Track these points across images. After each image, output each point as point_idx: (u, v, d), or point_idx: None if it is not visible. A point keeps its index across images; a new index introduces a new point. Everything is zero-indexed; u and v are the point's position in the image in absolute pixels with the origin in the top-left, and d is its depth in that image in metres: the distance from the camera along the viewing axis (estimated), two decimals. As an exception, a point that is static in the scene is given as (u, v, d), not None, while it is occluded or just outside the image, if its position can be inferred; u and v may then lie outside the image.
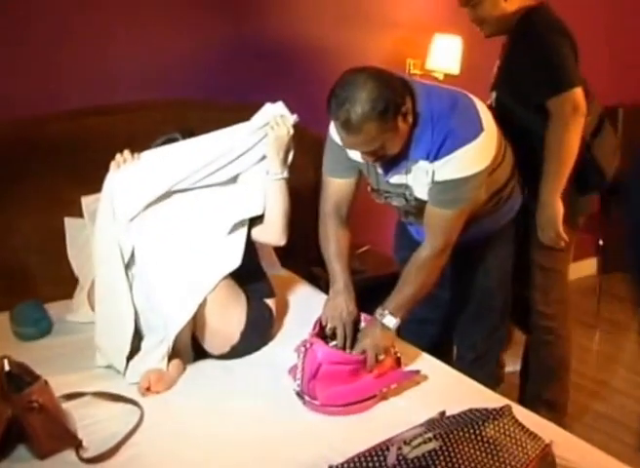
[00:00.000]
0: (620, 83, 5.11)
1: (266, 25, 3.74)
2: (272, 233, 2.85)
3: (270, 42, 3.76)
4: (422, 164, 2.44)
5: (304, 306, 3.24)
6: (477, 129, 2.39)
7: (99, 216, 2.76)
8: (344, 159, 2.61)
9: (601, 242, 4.84)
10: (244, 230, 2.83)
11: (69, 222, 3.30)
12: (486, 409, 1.99)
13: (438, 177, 2.43)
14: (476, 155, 2.40)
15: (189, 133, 2.88)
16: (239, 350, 2.83)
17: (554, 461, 1.96)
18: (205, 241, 2.76)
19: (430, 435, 1.86)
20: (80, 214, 3.22)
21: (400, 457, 1.81)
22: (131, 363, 2.70)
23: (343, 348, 2.61)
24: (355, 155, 2.56)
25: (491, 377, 3.04)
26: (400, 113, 2.29)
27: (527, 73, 2.88)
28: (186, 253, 2.72)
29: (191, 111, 3.54)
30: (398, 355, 2.64)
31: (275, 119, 2.79)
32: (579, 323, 4.78)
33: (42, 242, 3.30)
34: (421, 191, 2.54)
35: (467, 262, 2.86)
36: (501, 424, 1.92)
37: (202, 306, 2.68)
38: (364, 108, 2.21)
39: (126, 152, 2.77)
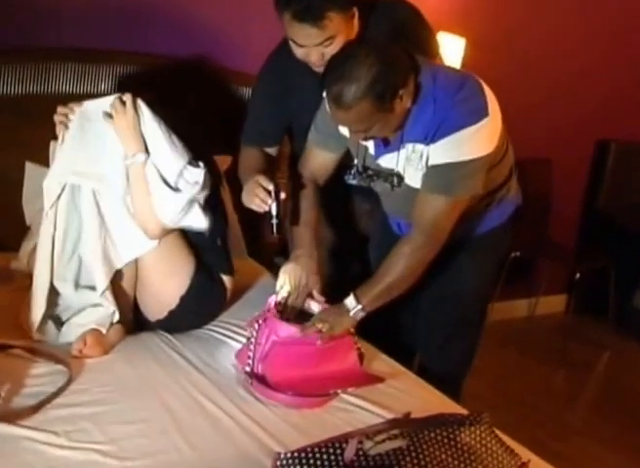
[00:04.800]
0: (612, 117, 4.96)
1: None
2: (139, 224, 2.50)
3: None
4: (418, 146, 2.26)
5: (263, 295, 2.95)
6: (481, 112, 2.20)
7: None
8: (334, 133, 2.42)
9: (578, 275, 4.66)
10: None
11: (30, 168, 3.02)
12: (461, 415, 1.76)
13: (433, 161, 2.24)
14: (477, 140, 2.21)
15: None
16: (178, 319, 2.58)
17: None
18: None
19: (396, 431, 1.61)
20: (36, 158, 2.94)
21: (360, 453, 1.55)
22: (70, 320, 2.46)
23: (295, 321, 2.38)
24: (345, 131, 2.36)
25: (456, 394, 2.79)
26: (398, 95, 2.13)
27: None
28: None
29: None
30: (361, 350, 2.41)
31: (114, 107, 2.43)
32: (543, 360, 4.61)
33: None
34: (413, 177, 2.33)
35: (446, 266, 2.61)
36: (478, 432, 1.68)
37: (143, 259, 2.51)
38: (360, 87, 2.06)
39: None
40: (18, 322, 2.47)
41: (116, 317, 2.46)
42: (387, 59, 2.10)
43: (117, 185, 2.47)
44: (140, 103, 2.47)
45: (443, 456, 1.57)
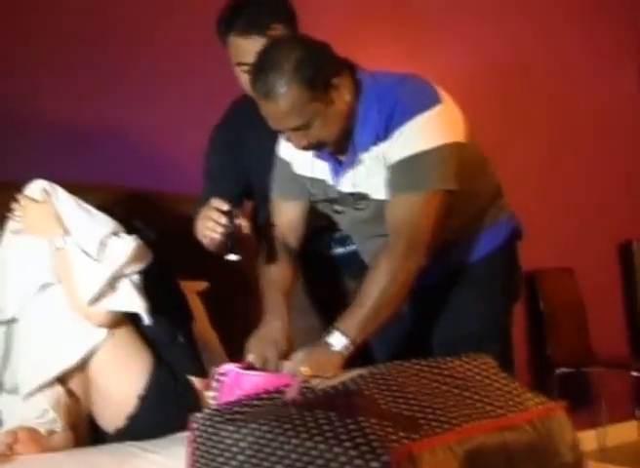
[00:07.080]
0: (634, 216, 4.72)
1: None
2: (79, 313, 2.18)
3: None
4: (373, 151, 1.97)
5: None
6: (432, 99, 1.95)
7: None
8: (292, 177, 2.14)
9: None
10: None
11: None
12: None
13: (392, 158, 1.94)
14: (435, 126, 1.93)
15: None
16: (140, 424, 2.14)
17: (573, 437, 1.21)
18: None
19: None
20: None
21: (305, 390, 1.09)
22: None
23: None
24: (298, 164, 2.10)
25: None
26: (332, 85, 1.91)
27: None
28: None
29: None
30: None
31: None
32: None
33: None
34: (379, 188, 1.99)
35: (447, 307, 2.18)
36: (476, 363, 1.21)
37: (92, 359, 2.15)
38: (284, 71, 1.87)
39: None
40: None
41: (58, 425, 2.03)
42: (313, 46, 1.92)
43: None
44: (49, 188, 2.23)
45: (424, 382, 1.10)
